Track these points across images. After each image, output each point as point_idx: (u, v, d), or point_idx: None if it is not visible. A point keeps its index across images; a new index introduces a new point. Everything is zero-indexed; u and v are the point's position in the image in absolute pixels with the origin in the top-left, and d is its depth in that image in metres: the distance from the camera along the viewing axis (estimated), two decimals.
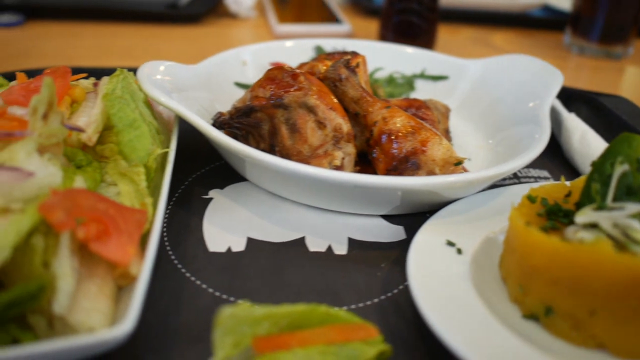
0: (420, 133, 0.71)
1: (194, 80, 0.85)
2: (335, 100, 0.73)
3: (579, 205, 0.58)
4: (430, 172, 0.70)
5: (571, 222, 0.57)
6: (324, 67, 0.82)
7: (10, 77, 0.76)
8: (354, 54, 0.85)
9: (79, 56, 1.26)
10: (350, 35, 1.41)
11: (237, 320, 0.48)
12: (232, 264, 0.64)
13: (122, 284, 0.54)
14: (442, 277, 0.58)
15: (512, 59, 0.93)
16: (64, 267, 0.49)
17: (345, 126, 0.72)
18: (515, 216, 0.57)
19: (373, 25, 1.53)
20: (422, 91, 1.01)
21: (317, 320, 0.52)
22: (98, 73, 0.78)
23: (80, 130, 0.60)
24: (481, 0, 1.52)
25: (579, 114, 0.94)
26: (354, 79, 0.78)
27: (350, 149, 0.72)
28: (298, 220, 0.71)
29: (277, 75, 0.73)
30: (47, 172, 0.52)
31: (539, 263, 0.53)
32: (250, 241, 0.67)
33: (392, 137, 0.71)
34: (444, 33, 1.44)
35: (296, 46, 1.04)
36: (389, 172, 0.72)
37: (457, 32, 1.49)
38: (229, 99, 0.90)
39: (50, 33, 1.38)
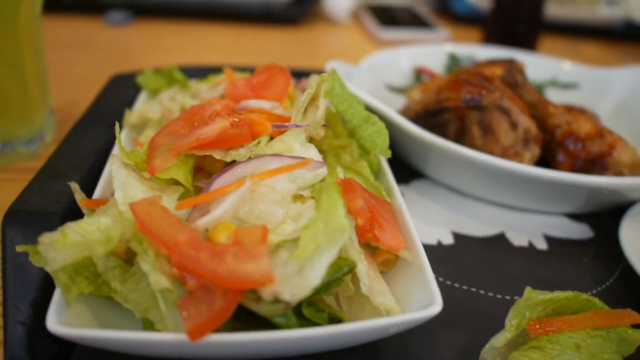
0: (607, 136, 0.75)
1: (360, 78, 0.89)
2: (523, 104, 0.77)
3: None
4: (618, 174, 0.74)
5: None
6: (491, 73, 0.86)
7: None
8: (514, 61, 0.89)
9: (187, 54, 1.29)
10: (448, 42, 1.45)
11: (527, 304, 0.52)
12: (448, 256, 0.67)
13: (384, 270, 0.58)
14: None
15: None
16: (357, 251, 0.52)
17: (534, 128, 0.76)
18: None
19: (459, 31, 1.58)
20: (554, 100, 1.05)
21: (576, 306, 0.55)
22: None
23: (325, 125, 0.64)
24: (566, 13, 1.57)
25: None
26: (529, 84, 0.82)
27: (537, 150, 0.76)
28: (491, 216, 0.75)
29: (470, 78, 0.77)
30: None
31: None
32: (456, 235, 0.71)
33: (579, 140, 0.75)
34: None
35: (443, 52, 1.08)
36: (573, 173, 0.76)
37: (548, 42, 1.54)
38: (383, 100, 0.93)
39: (157, 31, 1.41)
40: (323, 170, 0.55)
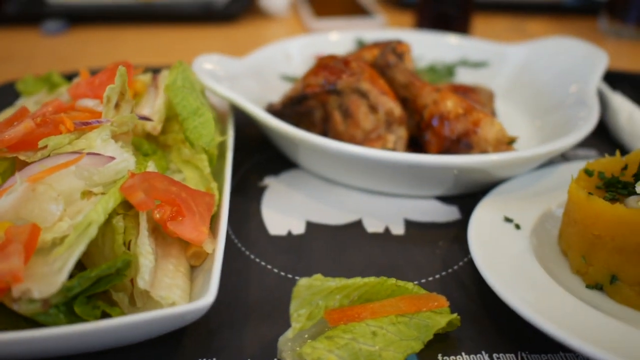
0: (472, 114, 0.72)
1: (244, 72, 0.87)
2: (386, 85, 0.75)
3: (638, 177, 0.58)
4: (483, 152, 0.71)
5: (631, 193, 0.57)
6: (371, 56, 0.84)
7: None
8: (399, 42, 0.87)
9: (123, 58, 1.30)
10: (384, 28, 1.42)
11: (312, 292, 0.50)
12: (293, 246, 0.66)
13: (195, 264, 0.57)
14: (504, 251, 0.59)
15: (555, 42, 0.94)
16: (144, 246, 0.51)
17: (397, 110, 0.73)
18: (575, 188, 0.58)
19: (404, 17, 1.54)
20: (463, 78, 1.02)
21: (386, 292, 0.53)
22: (152, 71, 0.81)
23: (148, 119, 0.63)
24: None
25: (624, 94, 0.95)
26: (402, 65, 0.79)
27: (402, 132, 0.74)
28: (354, 203, 0.73)
29: (329, 62, 0.75)
30: (123, 157, 0.55)
31: (603, 232, 0.53)
32: (310, 224, 0.69)
33: (444, 119, 0.73)
34: (479, 23, 1.44)
35: (338, 39, 1.05)
36: (441, 153, 0.73)
37: (491, 22, 1.49)
38: (275, 91, 0.92)
39: (93, 37, 1.42)
40: (118, 165, 0.54)
